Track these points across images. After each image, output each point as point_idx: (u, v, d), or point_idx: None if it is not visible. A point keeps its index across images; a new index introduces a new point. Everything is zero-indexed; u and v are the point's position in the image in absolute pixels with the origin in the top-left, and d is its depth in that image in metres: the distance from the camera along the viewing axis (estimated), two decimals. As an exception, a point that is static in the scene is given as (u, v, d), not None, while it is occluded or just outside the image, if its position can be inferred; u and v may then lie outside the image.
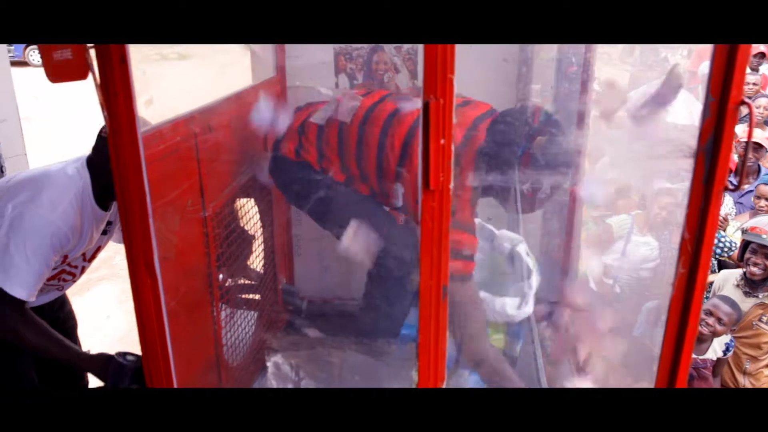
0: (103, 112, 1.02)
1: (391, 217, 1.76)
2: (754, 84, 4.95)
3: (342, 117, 1.70)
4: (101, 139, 1.76)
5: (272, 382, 1.41)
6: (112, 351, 1.80)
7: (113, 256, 5.26)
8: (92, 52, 1.01)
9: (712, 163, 1.01)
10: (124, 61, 1.01)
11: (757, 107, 4.30)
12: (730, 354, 2.61)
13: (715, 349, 2.57)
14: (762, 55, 6.01)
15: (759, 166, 3.59)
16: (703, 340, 2.53)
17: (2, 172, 2.36)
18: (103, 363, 1.65)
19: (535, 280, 1.95)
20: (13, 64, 3.70)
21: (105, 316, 4.51)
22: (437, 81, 0.97)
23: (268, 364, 1.44)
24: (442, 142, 1.00)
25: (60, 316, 2.26)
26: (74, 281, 2.04)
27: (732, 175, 3.62)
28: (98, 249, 2.04)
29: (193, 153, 1.37)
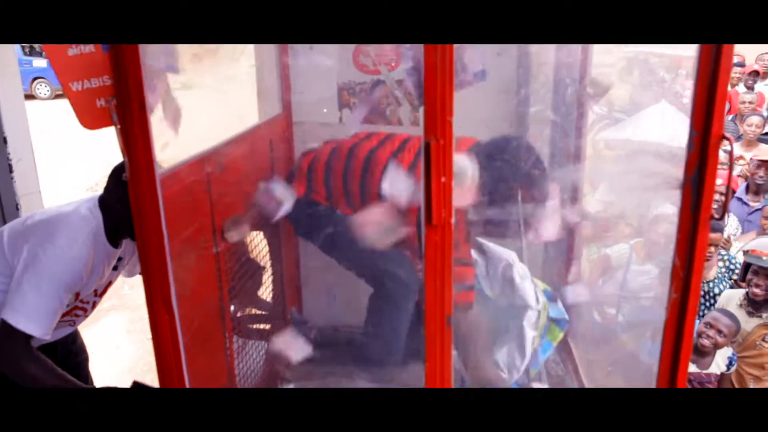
0: (124, 156, 1.09)
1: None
2: (750, 102, 5.02)
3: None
4: (113, 179, 1.82)
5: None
6: (122, 381, 1.84)
7: (122, 286, 5.32)
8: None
9: (698, 193, 1.07)
10: (143, 108, 1.08)
11: (749, 125, 4.37)
12: (733, 369, 2.63)
13: (719, 363, 2.59)
14: (756, 73, 6.11)
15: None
16: (706, 354, 2.56)
17: (17, 209, 2.44)
18: None
19: (528, 352, 1.93)
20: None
21: (114, 346, 4.55)
22: (437, 123, 1.04)
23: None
24: (443, 180, 1.06)
25: (72, 350, 2.30)
26: (86, 316, 2.09)
27: (746, 192, 3.68)
28: (109, 284, 2.10)
29: (206, 191, 1.43)
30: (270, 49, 2.08)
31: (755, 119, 4.41)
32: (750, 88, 5.81)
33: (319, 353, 1.58)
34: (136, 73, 1.06)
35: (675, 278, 1.12)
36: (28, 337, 1.61)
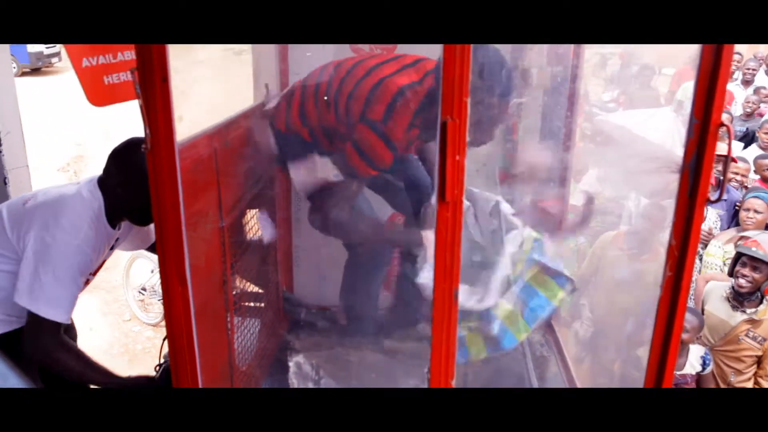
0: (145, 129, 1.10)
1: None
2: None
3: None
4: (113, 162, 1.82)
5: (293, 382, 1.49)
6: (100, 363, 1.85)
7: (95, 268, 5.25)
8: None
9: (695, 178, 1.14)
10: (165, 81, 1.09)
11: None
12: (709, 369, 2.65)
13: (693, 364, 2.61)
14: None
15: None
16: (678, 355, 2.54)
17: (5, 184, 2.40)
18: (146, 383, 1.70)
19: (501, 273, 1.78)
20: None
21: (88, 328, 4.50)
22: (453, 103, 1.08)
23: (290, 363, 1.51)
24: (457, 158, 1.11)
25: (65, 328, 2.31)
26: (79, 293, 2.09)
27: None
28: (102, 263, 2.10)
29: (213, 166, 1.45)
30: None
31: (724, 117, 4.57)
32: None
33: (325, 324, 1.61)
34: (159, 45, 1.07)
35: (670, 257, 1.19)
36: (57, 325, 1.62)
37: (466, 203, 1.89)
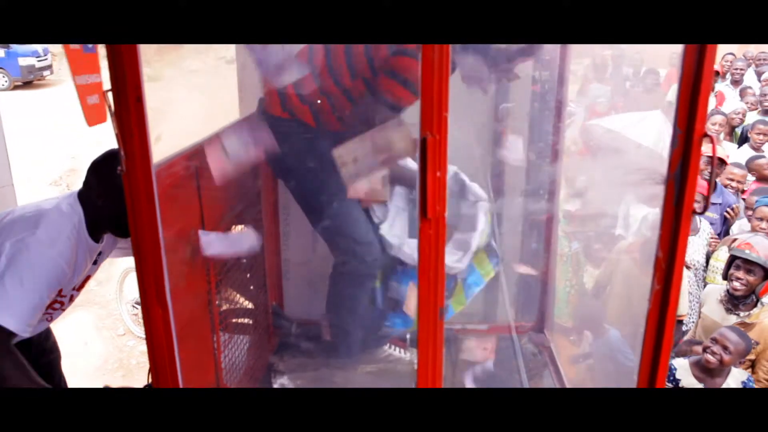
0: (120, 150, 1.08)
1: (364, 218, 1.84)
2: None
3: None
4: (92, 175, 1.80)
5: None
6: (92, 378, 1.81)
7: (89, 282, 5.21)
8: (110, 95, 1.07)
9: (681, 189, 1.12)
10: (139, 101, 1.08)
11: (712, 123, 4.51)
12: None
13: (730, 387, 2.45)
14: (717, 73, 6.34)
15: (716, 182, 3.76)
16: (716, 374, 2.44)
17: (-10, 203, 2.38)
18: None
19: (478, 238, 1.94)
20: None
21: (82, 343, 4.48)
22: (433, 119, 1.06)
23: (275, 385, 1.48)
24: (438, 174, 1.09)
25: (46, 348, 2.27)
26: (63, 310, 2.06)
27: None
28: (87, 278, 2.07)
29: (195, 185, 1.43)
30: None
31: (718, 118, 4.56)
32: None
33: (310, 346, 1.58)
34: (133, 65, 1.05)
35: (658, 270, 1.17)
36: (8, 333, 1.58)
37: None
